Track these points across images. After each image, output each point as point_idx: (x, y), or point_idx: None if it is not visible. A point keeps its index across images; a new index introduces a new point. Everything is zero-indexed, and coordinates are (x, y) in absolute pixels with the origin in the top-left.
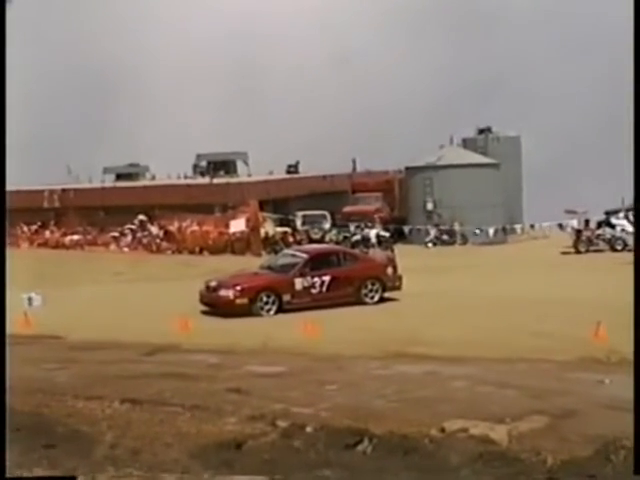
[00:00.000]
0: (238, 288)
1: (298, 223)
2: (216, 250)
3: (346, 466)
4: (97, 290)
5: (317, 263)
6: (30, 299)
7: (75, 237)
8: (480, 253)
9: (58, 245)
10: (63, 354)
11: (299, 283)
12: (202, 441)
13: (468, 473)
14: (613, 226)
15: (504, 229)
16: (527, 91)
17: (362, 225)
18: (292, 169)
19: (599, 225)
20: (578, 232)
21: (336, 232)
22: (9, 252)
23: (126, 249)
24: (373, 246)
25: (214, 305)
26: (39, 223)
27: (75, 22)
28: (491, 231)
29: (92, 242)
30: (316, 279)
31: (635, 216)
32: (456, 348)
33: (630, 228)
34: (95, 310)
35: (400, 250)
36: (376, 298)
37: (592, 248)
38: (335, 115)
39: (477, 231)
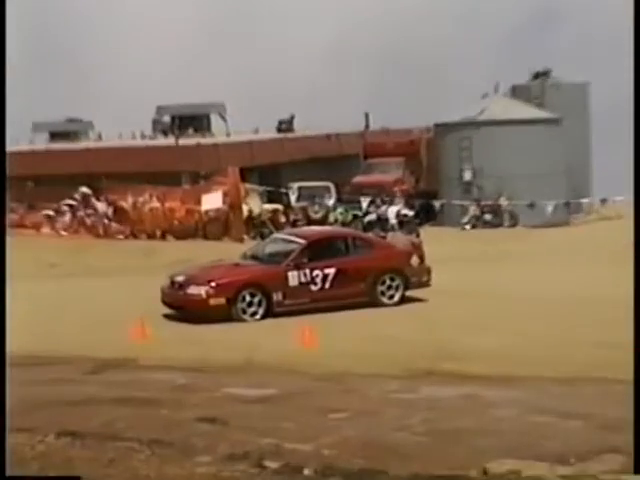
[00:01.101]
0: (213, 284)
1: (292, 198)
2: (184, 234)
3: None
4: (24, 288)
5: (318, 251)
6: None
7: None
8: (534, 238)
9: None
10: None
11: (294, 277)
12: None
13: None
14: None
15: (566, 205)
16: (597, 26)
17: (378, 201)
18: (285, 126)
19: None
20: None
21: (343, 210)
22: None
23: (64, 232)
24: (393, 229)
25: (181, 307)
26: None
27: None
28: (549, 208)
29: (18, 223)
30: (317, 272)
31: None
32: (501, 364)
33: None
34: (21, 315)
35: (428, 234)
36: (396, 297)
37: None
38: (341, 53)
39: (530, 209)
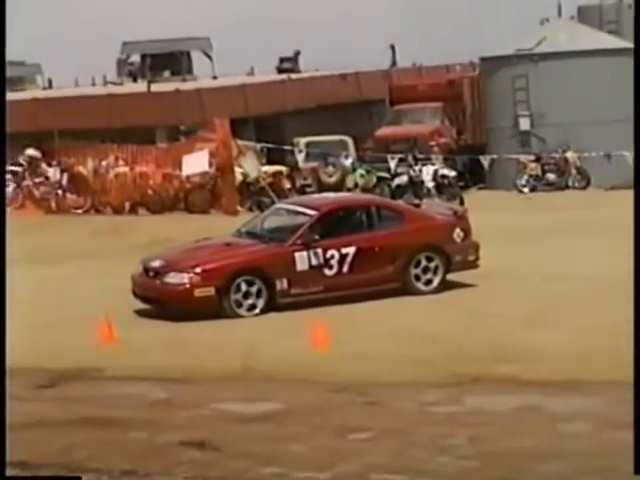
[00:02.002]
0: (198, 270)
1: (300, 158)
2: (160, 206)
3: None
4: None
5: (333, 225)
6: None
7: None
8: (610, 202)
9: None
10: None
11: (303, 260)
12: None
13: None
14: None
15: None
16: None
17: (410, 159)
18: (288, 64)
19: None
20: None
21: (365, 172)
22: None
23: (6, 207)
24: (429, 194)
25: (158, 300)
26: None
27: None
28: (630, 162)
29: None
30: (332, 252)
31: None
32: (568, 366)
33: None
34: None
35: (476, 199)
36: (435, 283)
37: None
38: None
39: (606, 164)
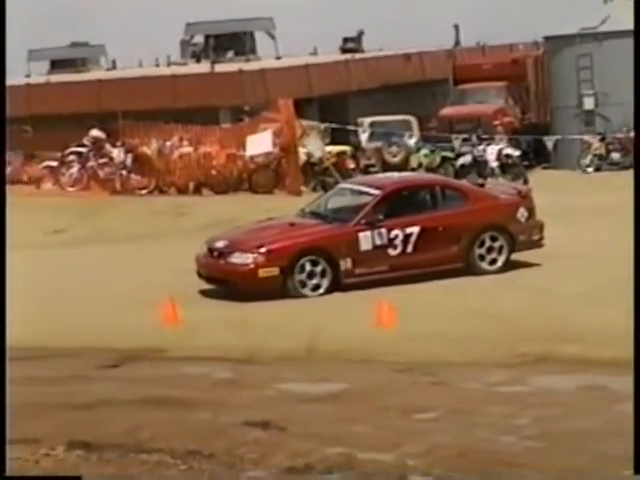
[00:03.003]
0: (263, 250)
1: (363, 137)
2: (224, 186)
3: None
4: (21, 260)
5: (397, 205)
6: None
7: None
8: None
9: None
10: None
11: (367, 239)
12: None
13: None
14: None
15: None
16: None
17: (474, 138)
18: (352, 45)
19: None
20: None
21: (429, 151)
22: None
23: (71, 188)
24: (493, 174)
25: (222, 280)
26: None
27: None
28: None
29: (13, 178)
30: (396, 232)
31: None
32: (632, 346)
33: None
34: (20, 294)
35: (540, 179)
36: (500, 262)
37: None
38: None
39: None
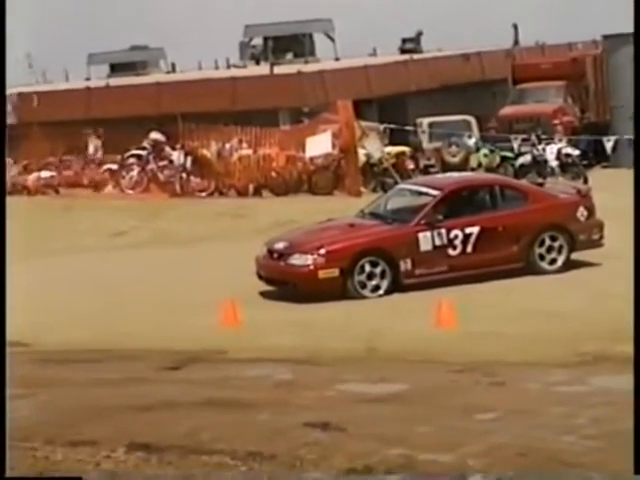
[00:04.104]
0: (322, 252)
1: (423, 138)
2: (284, 188)
3: None
4: (84, 262)
5: (457, 205)
6: None
7: (45, 174)
8: None
9: (15, 189)
10: (29, 371)
11: (426, 240)
12: None
13: None
14: None
15: None
16: None
17: (533, 138)
18: (410, 45)
19: None
20: None
21: (488, 151)
22: None
23: (130, 191)
24: (553, 173)
25: (282, 282)
26: None
27: None
28: None
29: (73, 181)
30: (456, 232)
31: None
32: None
33: None
34: (81, 296)
35: (600, 178)
36: (560, 262)
37: None
38: None
39: None
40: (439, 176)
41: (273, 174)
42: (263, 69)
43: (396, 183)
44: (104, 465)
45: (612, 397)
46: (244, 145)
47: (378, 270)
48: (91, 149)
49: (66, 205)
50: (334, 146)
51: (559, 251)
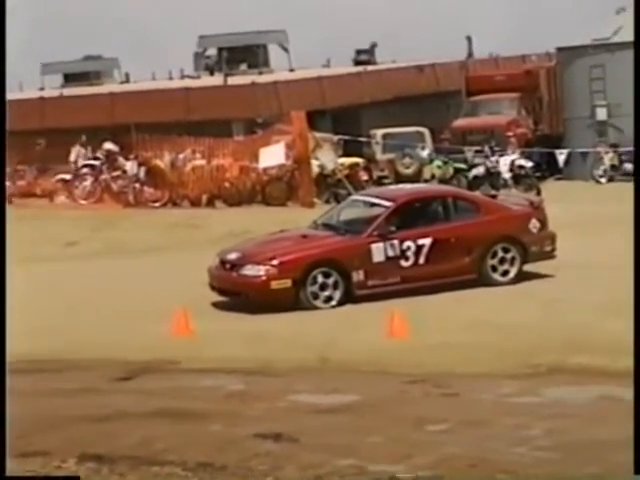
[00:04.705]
0: (275, 262)
1: (377, 150)
2: (237, 198)
3: None
4: (36, 273)
5: (409, 217)
6: None
7: None
8: None
9: None
10: None
11: (379, 251)
12: None
13: None
14: None
15: None
16: None
17: (486, 150)
18: (364, 57)
19: None
20: None
21: (441, 163)
22: None
23: (84, 201)
24: (506, 185)
25: (235, 292)
26: None
27: None
28: None
29: (26, 191)
30: (408, 244)
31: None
32: None
33: None
34: (33, 307)
35: (553, 190)
36: (512, 274)
37: None
38: None
39: None
40: (392, 187)
41: (226, 184)
42: (217, 80)
43: (349, 194)
44: (55, 475)
45: (567, 409)
46: (198, 155)
47: (331, 281)
48: (72, 156)
49: (19, 215)
50: (287, 157)
51: (511, 263)
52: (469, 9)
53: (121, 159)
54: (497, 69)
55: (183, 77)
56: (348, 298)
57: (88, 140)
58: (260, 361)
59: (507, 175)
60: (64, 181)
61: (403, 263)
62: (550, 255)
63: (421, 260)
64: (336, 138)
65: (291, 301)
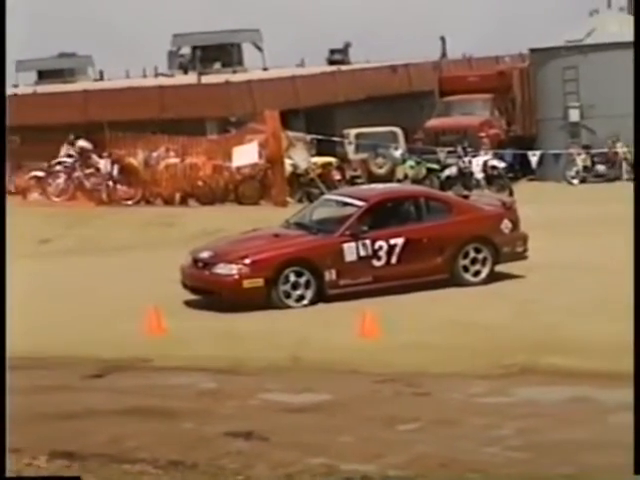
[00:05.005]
0: (247, 261)
1: (349, 149)
2: (210, 197)
3: None
4: (8, 270)
5: (381, 216)
6: None
7: None
8: None
9: None
10: None
11: (351, 251)
12: None
13: None
14: None
15: None
16: None
17: (459, 150)
18: (338, 56)
19: None
20: None
21: (414, 163)
22: None
23: (57, 198)
24: (478, 186)
25: (207, 291)
26: None
27: None
28: None
29: None
30: (380, 243)
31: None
32: (620, 357)
33: None
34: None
35: (525, 191)
36: (483, 274)
37: None
38: None
39: None
40: (364, 187)
41: (200, 183)
42: (191, 78)
43: (322, 194)
44: (25, 473)
45: (539, 409)
46: (171, 154)
47: (303, 280)
48: (62, 154)
49: None
50: (261, 156)
51: (483, 263)
52: (443, 9)
53: (94, 157)
54: (470, 70)
55: (157, 75)
56: (320, 297)
57: (62, 138)
58: (232, 360)
59: (480, 176)
60: (37, 178)
61: (375, 263)
62: (522, 256)
63: (393, 260)
64: (309, 137)
65: (263, 300)
